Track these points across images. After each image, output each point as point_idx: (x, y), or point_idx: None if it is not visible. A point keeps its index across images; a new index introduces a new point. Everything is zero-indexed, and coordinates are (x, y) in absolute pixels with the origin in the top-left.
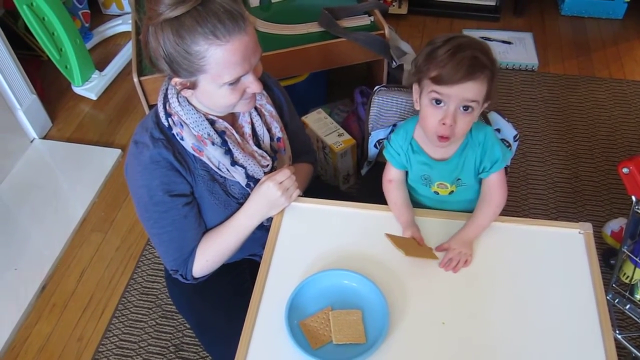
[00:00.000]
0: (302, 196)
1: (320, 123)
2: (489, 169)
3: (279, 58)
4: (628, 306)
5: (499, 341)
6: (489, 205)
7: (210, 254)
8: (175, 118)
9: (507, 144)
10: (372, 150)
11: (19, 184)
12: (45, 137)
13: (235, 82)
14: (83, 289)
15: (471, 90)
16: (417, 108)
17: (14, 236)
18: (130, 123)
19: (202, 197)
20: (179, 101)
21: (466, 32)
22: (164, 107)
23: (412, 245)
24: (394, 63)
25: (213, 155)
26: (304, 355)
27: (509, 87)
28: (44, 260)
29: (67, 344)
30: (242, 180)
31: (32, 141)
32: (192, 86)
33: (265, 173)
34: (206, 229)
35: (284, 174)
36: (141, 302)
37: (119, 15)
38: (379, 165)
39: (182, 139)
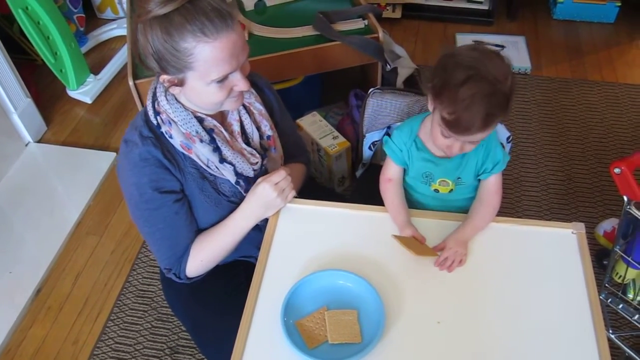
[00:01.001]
0: (297, 197)
1: (315, 126)
2: (490, 170)
3: (274, 61)
4: (621, 306)
5: (493, 341)
6: (486, 208)
7: (205, 254)
8: (164, 116)
9: (501, 145)
10: (366, 153)
11: (13, 188)
12: (40, 141)
13: (222, 80)
14: (78, 292)
15: (481, 136)
16: (430, 110)
17: (9, 240)
18: (126, 126)
19: (192, 195)
20: (167, 99)
21: (459, 37)
22: (153, 106)
23: (416, 244)
24: (388, 66)
25: (202, 153)
26: (299, 355)
27: None
28: (39, 264)
29: (62, 347)
30: (232, 178)
31: (27, 145)
32: (180, 83)
33: (254, 171)
34: (198, 227)
35: (280, 175)
36: (136, 304)
37: (113, 20)
38: (374, 167)
39: (170, 137)
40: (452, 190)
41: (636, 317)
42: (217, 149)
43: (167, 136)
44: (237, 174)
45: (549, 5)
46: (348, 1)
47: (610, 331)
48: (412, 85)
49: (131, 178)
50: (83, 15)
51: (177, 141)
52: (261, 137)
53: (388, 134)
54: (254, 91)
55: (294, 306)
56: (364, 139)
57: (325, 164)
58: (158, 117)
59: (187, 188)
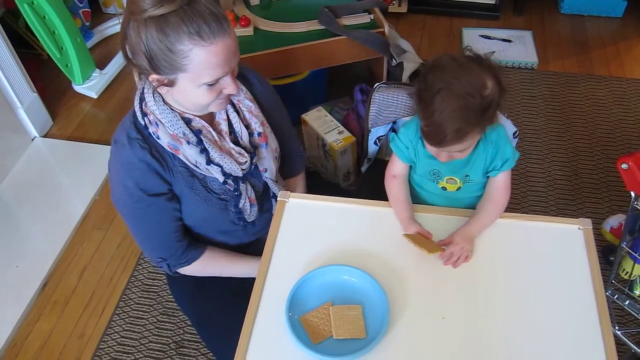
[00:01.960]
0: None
1: (321, 121)
2: (499, 167)
3: (279, 56)
4: (627, 302)
5: (499, 336)
6: (494, 206)
7: (208, 272)
8: (151, 117)
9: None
10: (372, 148)
11: (20, 182)
12: (46, 136)
13: (213, 83)
14: (84, 287)
15: (458, 147)
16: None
17: (15, 234)
18: None
19: (182, 193)
20: (155, 99)
21: (466, 31)
22: (141, 107)
23: (423, 241)
24: (394, 61)
25: (189, 154)
26: (304, 350)
27: (509, 85)
28: (45, 258)
29: (68, 341)
30: (220, 177)
31: (33, 139)
32: (170, 84)
33: (242, 170)
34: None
35: None
36: (142, 299)
37: (119, 14)
38: (379, 162)
39: (158, 137)
40: (459, 188)
41: None
42: (204, 151)
43: (154, 137)
44: (225, 174)
45: None
46: None
47: (616, 327)
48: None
49: (119, 178)
50: (88, 9)
51: (164, 142)
52: (251, 134)
53: (394, 130)
54: (243, 87)
55: (299, 301)
56: (369, 134)
57: (331, 159)
58: (145, 118)
59: (177, 187)
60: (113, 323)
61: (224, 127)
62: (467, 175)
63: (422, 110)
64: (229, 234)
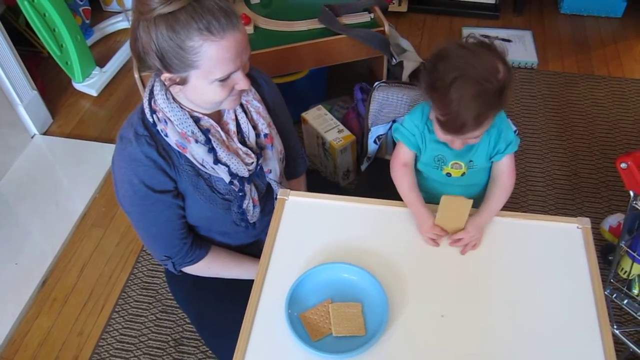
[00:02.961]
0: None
1: (320, 119)
2: (503, 150)
3: (279, 54)
4: (626, 301)
5: (497, 335)
6: (501, 190)
7: (213, 272)
8: (160, 115)
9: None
10: (371, 146)
11: (19, 180)
12: (45, 133)
13: (225, 79)
14: (83, 284)
15: (476, 133)
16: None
17: (15, 231)
18: None
19: (186, 192)
20: (166, 97)
21: (466, 31)
22: (150, 104)
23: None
24: (394, 60)
25: (196, 153)
26: (303, 347)
27: None
28: (44, 255)
29: (67, 338)
30: (226, 177)
31: (32, 137)
32: (182, 82)
33: (249, 171)
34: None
35: None
36: (141, 297)
37: (119, 12)
38: (379, 161)
39: (166, 135)
40: (464, 173)
41: None
42: (212, 150)
43: (162, 134)
44: (232, 174)
45: None
46: None
47: (615, 327)
48: (417, 79)
49: (125, 175)
50: (89, 7)
51: (172, 140)
52: (257, 135)
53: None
54: (252, 88)
55: (298, 299)
56: (369, 133)
57: (330, 158)
58: (154, 115)
59: (181, 185)
60: (112, 320)
61: (232, 126)
62: (471, 161)
63: (438, 101)
64: (230, 235)
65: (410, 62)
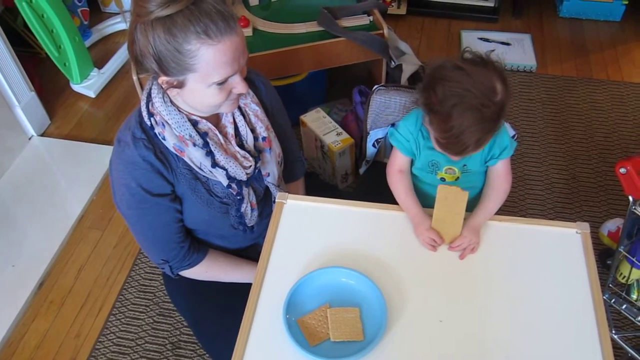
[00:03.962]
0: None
1: (319, 122)
2: (497, 155)
3: (278, 57)
4: (624, 306)
5: (496, 340)
6: (497, 193)
7: (210, 276)
8: (158, 118)
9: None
10: (370, 150)
11: (16, 181)
12: (43, 135)
13: (222, 82)
14: (80, 286)
15: (475, 152)
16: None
17: (12, 233)
18: None
19: (184, 195)
20: (163, 100)
21: (464, 34)
22: (147, 107)
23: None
24: (393, 63)
25: (194, 156)
26: (301, 352)
27: None
28: (41, 257)
29: (64, 341)
30: (224, 181)
31: (30, 138)
32: (180, 85)
33: (247, 174)
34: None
35: None
36: (138, 299)
37: (117, 13)
38: (377, 164)
39: (164, 138)
40: (458, 178)
41: None
42: (209, 153)
43: (160, 137)
44: (230, 178)
45: (555, 2)
46: None
47: (614, 331)
48: (416, 82)
49: (122, 179)
50: (87, 8)
51: (170, 143)
52: (255, 139)
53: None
54: (250, 91)
55: (296, 303)
56: (368, 136)
57: (329, 161)
58: (152, 119)
59: (179, 188)
60: (109, 323)
61: (230, 130)
62: (464, 165)
63: (438, 123)
64: (228, 238)
65: (409, 65)
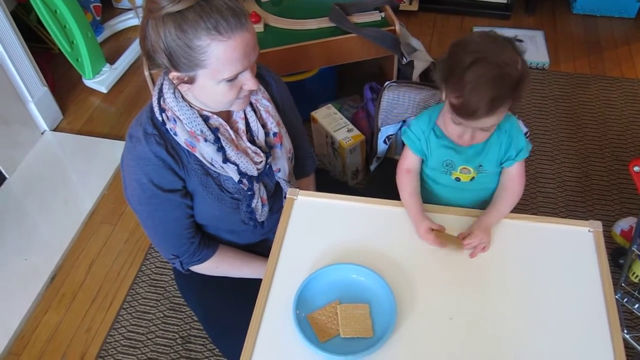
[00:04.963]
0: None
1: (330, 118)
2: (514, 157)
3: (289, 53)
4: (637, 306)
5: (506, 338)
6: (510, 195)
7: (220, 271)
8: (169, 113)
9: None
10: (381, 146)
11: (29, 176)
12: (55, 130)
13: (232, 79)
14: (92, 281)
15: (489, 121)
16: (443, 99)
17: (24, 227)
18: None
19: (195, 191)
20: (175, 96)
21: (476, 30)
22: (159, 102)
23: (446, 237)
24: (405, 59)
25: (205, 152)
26: (311, 348)
27: None
28: (53, 251)
29: (75, 334)
30: (235, 176)
31: (42, 133)
32: (190, 81)
33: (258, 170)
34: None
35: None
36: (149, 294)
37: (130, 9)
38: (388, 161)
39: (175, 134)
40: (473, 178)
41: None
42: (221, 149)
43: (171, 133)
44: (241, 173)
45: None
46: None
47: (625, 331)
48: (428, 79)
49: (134, 174)
50: (99, 4)
51: (181, 139)
52: (267, 134)
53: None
54: (261, 87)
55: (306, 299)
56: (379, 133)
57: (339, 157)
58: (163, 114)
59: (190, 184)
60: (120, 317)
61: (241, 125)
62: (480, 166)
63: (454, 84)
64: (238, 233)
65: (421, 61)
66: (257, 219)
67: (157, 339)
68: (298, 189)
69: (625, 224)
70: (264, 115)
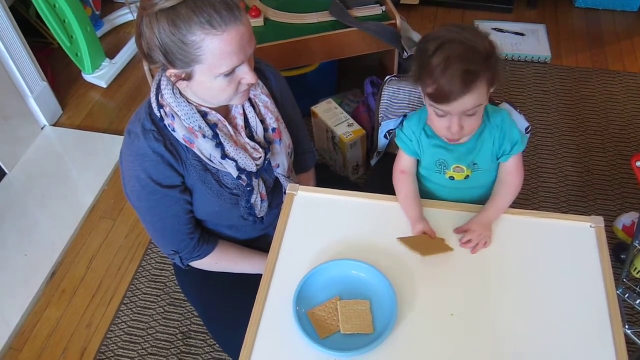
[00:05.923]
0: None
1: (330, 113)
2: (509, 151)
3: (290, 47)
4: (638, 301)
5: (507, 334)
6: (509, 189)
7: (220, 267)
8: (167, 109)
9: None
10: (382, 141)
11: (29, 171)
12: (55, 125)
13: (230, 73)
14: (92, 276)
15: (469, 101)
16: (425, 104)
17: (24, 223)
18: None
19: (194, 186)
20: (173, 93)
21: (478, 24)
22: (157, 99)
23: (426, 242)
24: (405, 54)
25: (204, 148)
26: (311, 344)
27: (522, 80)
28: (53, 247)
29: (76, 330)
30: (234, 172)
31: (42, 128)
32: (188, 77)
33: (257, 166)
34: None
35: None
36: (150, 289)
37: (129, 4)
38: (389, 156)
39: (173, 130)
40: (468, 176)
41: None
42: (219, 145)
43: (170, 129)
44: (240, 169)
45: None
46: None
47: (627, 327)
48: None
49: (133, 171)
50: None
51: (179, 135)
52: (265, 130)
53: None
54: (260, 82)
55: (306, 295)
56: (380, 128)
57: (340, 152)
58: (161, 110)
59: (189, 180)
60: (121, 313)
61: (240, 121)
62: (475, 164)
63: (424, 75)
64: (238, 229)
65: None
66: (256, 214)
67: (157, 334)
68: (298, 185)
69: (628, 219)
70: (263, 110)
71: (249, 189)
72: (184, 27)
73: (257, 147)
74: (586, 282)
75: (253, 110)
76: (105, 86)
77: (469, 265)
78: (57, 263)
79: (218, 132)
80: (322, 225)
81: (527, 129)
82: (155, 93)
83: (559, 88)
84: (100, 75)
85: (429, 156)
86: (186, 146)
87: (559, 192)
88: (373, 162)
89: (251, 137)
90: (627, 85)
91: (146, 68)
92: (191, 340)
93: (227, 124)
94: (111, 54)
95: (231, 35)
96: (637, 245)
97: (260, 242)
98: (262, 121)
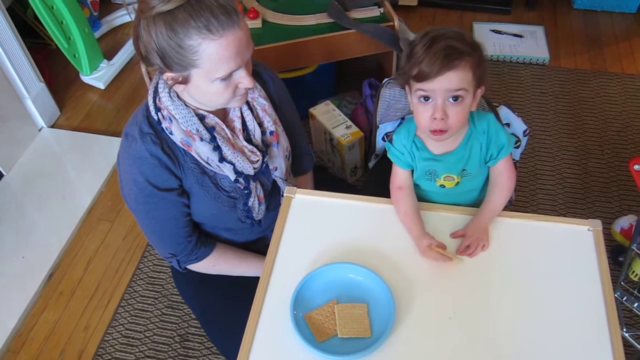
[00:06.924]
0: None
1: (329, 115)
2: (496, 155)
3: (288, 49)
4: (636, 304)
5: (505, 337)
6: (501, 190)
7: (218, 270)
8: (165, 112)
9: (517, 139)
10: (379, 143)
11: (26, 173)
12: (53, 126)
13: (227, 77)
14: (90, 278)
15: (453, 79)
16: (411, 102)
17: (22, 224)
18: None
19: (192, 189)
20: (170, 95)
21: (477, 26)
22: (154, 101)
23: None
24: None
25: (202, 151)
26: (308, 348)
27: (519, 81)
28: (51, 249)
29: (73, 332)
30: (231, 175)
31: (40, 130)
32: (184, 81)
33: (254, 169)
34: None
35: None
36: (147, 292)
37: (127, 5)
38: (387, 158)
39: (171, 133)
40: (458, 183)
41: None
42: (217, 148)
43: (167, 132)
44: (237, 172)
45: None
46: None
47: (625, 330)
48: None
49: (130, 173)
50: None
51: (177, 138)
52: (263, 133)
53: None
54: (258, 85)
55: (304, 299)
56: (378, 130)
57: (338, 154)
58: (159, 113)
59: (186, 183)
60: (118, 315)
61: (238, 124)
62: (464, 170)
63: (411, 58)
64: (235, 231)
65: None
66: (254, 217)
67: (155, 337)
68: (296, 187)
69: (626, 222)
70: (261, 113)
71: (246, 191)
72: (181, 31)
73: (255, 150)
74: (584, 285)
75: (251, 113)
76: (103, 87)
77: (466, 268)
78: (54, 265)
79: (215, 135)
80: (320, 228)
81: (525, 132)
82: (152, 95)
83: (557, 90)
84: (98, 76)
85: (419, 167)
86: (183, 149)
87: (557, 194)
88: (371, 164)
89: (249, 140)
90: (625, 87)
91: (144, 70)
92: (188, 343)
93: (224, 126)
94: (109, 55)
95: (228, 40)
96: (634, 248)
97: (258, 245)
98: (260, 124)
